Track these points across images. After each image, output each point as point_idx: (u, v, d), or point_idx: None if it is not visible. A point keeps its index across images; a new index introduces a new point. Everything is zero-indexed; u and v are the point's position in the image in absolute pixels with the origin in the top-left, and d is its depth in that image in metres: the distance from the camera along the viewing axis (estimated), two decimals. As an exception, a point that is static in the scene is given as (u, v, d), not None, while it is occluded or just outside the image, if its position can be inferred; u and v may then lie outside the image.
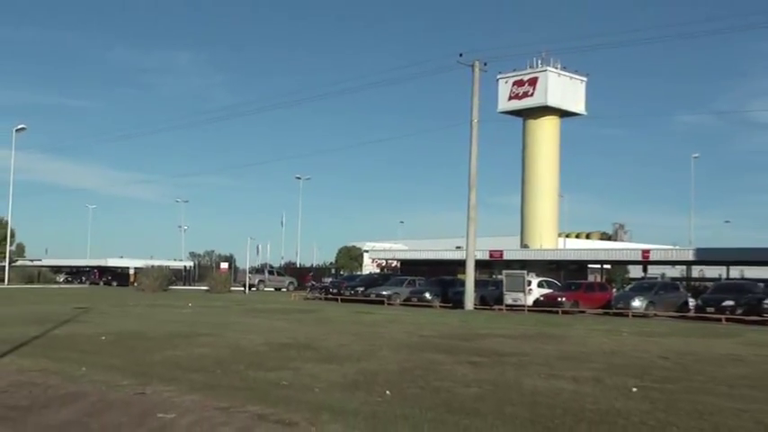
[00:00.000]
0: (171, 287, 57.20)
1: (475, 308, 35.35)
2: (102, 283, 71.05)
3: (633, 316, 31.72)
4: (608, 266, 52.98)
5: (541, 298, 35.79)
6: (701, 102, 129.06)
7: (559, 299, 34.92)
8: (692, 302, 34.20)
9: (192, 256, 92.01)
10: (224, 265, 63.73)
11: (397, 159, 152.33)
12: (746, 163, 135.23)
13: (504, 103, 58.30)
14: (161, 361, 14.11)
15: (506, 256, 46.33)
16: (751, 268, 46.02)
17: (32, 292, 48.52)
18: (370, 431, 8.33)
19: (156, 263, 66.90)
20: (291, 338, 18.44)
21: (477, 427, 8.53)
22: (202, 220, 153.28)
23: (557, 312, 33.13)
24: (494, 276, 43.49)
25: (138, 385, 11.42)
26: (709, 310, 31.55)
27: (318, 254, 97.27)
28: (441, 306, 37.62)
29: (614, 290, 38.78)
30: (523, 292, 35.83)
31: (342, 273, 65.03)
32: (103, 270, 75.11)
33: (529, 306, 35.13)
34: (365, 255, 69.87)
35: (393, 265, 59.47)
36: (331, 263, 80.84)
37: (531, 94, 56.87)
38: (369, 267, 64.55)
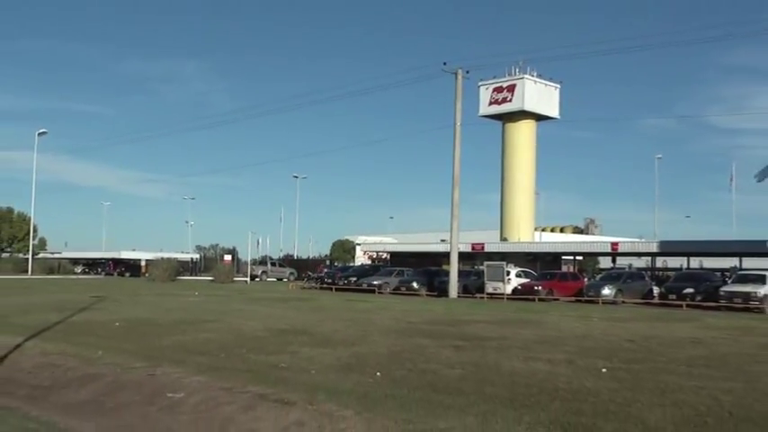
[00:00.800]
0: (179, 277, 57.00)
1: (458, 296, 35.34)
2: (116, 274, 70.71)
3: (603, 303, 31.78)
4: (580, 258, 53.15)
5: (519, 287, 35.81)
6: (664, 107, 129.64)
7: (536, 287, 34.96)
8: (656, 290, 34.32)
9: (198, 248, 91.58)
10: (227, 257, 63.56)
11: (387, 159, 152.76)
12: (705, 163, 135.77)
13: (485, 108, 58.35)
14: (170, 345, 14.08)
15: (487, 249, 46.35)
16: (709, 259, 46.26)
17: (53, 282, 48.29)
18: (362, 409, 8.32)
19: (166, 255, 66.79)
20: (289, 325, 18.38)
21: (461, 405, 8.54)
22: (207, 215, 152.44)
23: (533, 300, 33.15)
24: (476, 267, 43.47)
25: (149, 367, 11.41)
26: (671, 297, 31.73)
27: (314, 247, 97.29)
28: (427, 294, 37.60)
29: (586, 279, 38.83)
30: (503, 281, 35.85)
31: (336, 264, 64.96)
32: (117, 262, 74.77)
33: (508, 294, 35.11)
34: (357, 247, 69.90)
35: (383, 256, 59.40)
36: (326, 255, 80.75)
37: (510, 100, 56.92)
38: (361, 259, 64.57)
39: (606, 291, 33.30)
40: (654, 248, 43.40)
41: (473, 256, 46.68)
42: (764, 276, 30.95)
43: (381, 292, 38.67)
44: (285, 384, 9.79)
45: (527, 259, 44.40)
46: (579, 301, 33.36)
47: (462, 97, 37.81)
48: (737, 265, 40.15)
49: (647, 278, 37.92)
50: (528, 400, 8.86)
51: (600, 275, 40.06)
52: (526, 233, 56.07)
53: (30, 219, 74.57)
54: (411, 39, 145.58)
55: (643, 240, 53.38)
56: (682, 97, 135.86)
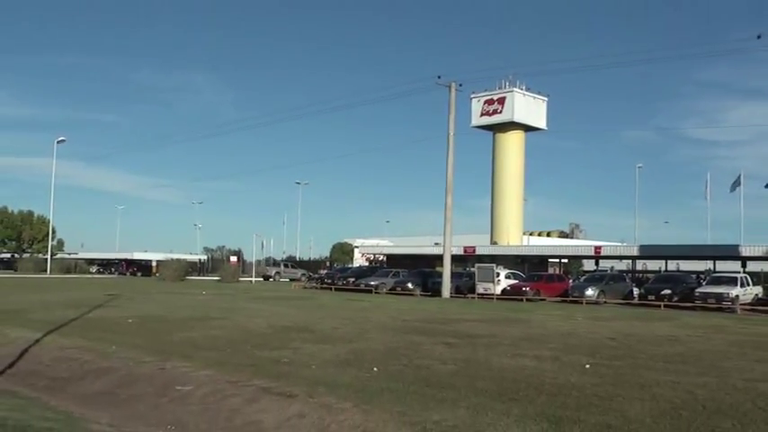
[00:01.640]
0: (187, 277, 56.87)
1: (451, 296, 35.29)
2: (128, 274, 70.52)
3: (587, 303, 31.77)
4: (565, 260, 53.22)
5: (508, 287, 35.76)
6: (644, 119, 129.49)
7: (524, 288, 34.92)
8: (636, 291, 34.30)
9: (206, 250, 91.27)
10: (233, 259, 63.42)
11: (384, 166, 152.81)
12: (682, 172, 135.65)
13: (477, 119, 58.32)
14: (179, 341, 14.07)
15: (478, 252, 46.40)
16: (686, 262, 46.37)
17: (70, 281, 48.19)
18: (359, 402, 8.33)
19: (175, 256, 66.62)
20: (292, 322, 18.37)
21: (453, 398, 8.55)
22: (215, 218, 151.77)
23: (521, 300, 33.09)
24: (467, 269, 43.46)
25: (160, 361, 11.41)
26: (650, 297, 31.74)
27: (315, 249, 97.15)
28: (421, 294, 37.51)
29: (571, 281, 38.82)
30: (493, 282, 35.82)
31: (335, 265, 64.89)
32: (130, 262, 74.57)
33: (497, 295, 35.05)
34: (356, 250, 69.77)
35: (380, 258, 59.34)
36: (326, 257, 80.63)
37: (500, 112, 56.92)
38: (359, 261, 64.41)
39: (590, 291, 33.31)
40: (634, 252, 43.47)
41: (465, 259, 46.70)
42: (736, 278, 31.08)
43: (378, 292, 38.55)
44: (287, 378, 9.79)
45: (516, 262, 44.43)
46: (564, 301, 33.32)
47: (455, 109, 37.81)
48: (711, 268, 40.26)
49: (627, 280, 37.91)
50: (516, 394, 8.87)
51: (584, 277, 40.02)
52: (515, 237, 56.06)
53: (49, 221, 74.36)
54: (407, 54, 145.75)
55: (624, 244, 53.38)
56: (660, 110, 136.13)
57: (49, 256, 68.44)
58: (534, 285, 35.41)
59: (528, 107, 57.39)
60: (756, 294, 31.85)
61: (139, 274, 68.48)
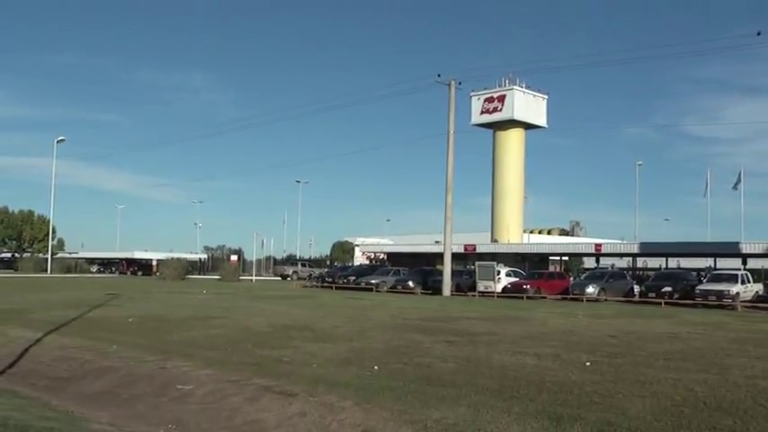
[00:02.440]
0: (188, 276, 56.88)
1: (451, 294, 35.28)
2: (129, 273, 70.61)
3: (587, 300, 31.80)
4: (566, 258, 53.20)
5: (509, 285, 35.77)
6: (643, 117, 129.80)
7: (524, 286, 34.93)
8: (636, 289, 34.31)
9: (206, 249, 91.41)
10: (233, 258, 63.47)
11: (384, 165, 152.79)
12: (682, 169, 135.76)
13: (477, 117, 58.36)
14: (180, 340, 14.07)
15: (479, 250, 46.36)
16: (686, 259, 46.35)
17: (70, 280, 48.20)
18: (360, 401, 8.32)
19: (175, 255, 66.67)
20: (292, 321, 18.35)
21: (453, 396, 8.54)
22: (215, 218, 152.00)
23: (522, 298, 33.09)
24: (468, 267, 43.45)
25: (161, 361, 11.41)
26: (650, 295, 31.73)
27: (315, 248, 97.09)
28: (422, 293, 37.49)
29: (571, 278, 38.85)
30: (493, 280, 35.81)
31: (336, 264, 64.90)
32: (130, 261, 74.67)
33: (498, 292, 35.05)
34: (356, 248, 69.72)
35: (380, 257, 59.34)
36: (326, 255, 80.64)
37: (500, 110, 56.97)
38: (359, 259, 64.42)
39: (590, 289, 33.30)
40: (635, 249, 43.46)
41: (465, 257, 46.67)
42: (736, 276, 31.07)
43: (379, 291, 38.52)
44: (288, 377, 9.78)
45: (516, 260, 44.40)
46: (565, 298, 33.35)
47: (455, 107, 37.84)
48: (712, 265, 40.26)
49: (628, 277, 37.89)
50: (517, 391, 8.86)
51: (584, 275, 40.05)
52: (515, 235, 56.08)
53: (49, 221, 74.41)
54: (407, 53, 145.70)
55: (625, 242, 53.40)
56: (660, 108, 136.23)
57: (49, 256, 68.48)
58: (535, 283, 35.40)
59: (528, 105, 57.41)
60: (757, 291, 31.84)
61: (140, 273, 68.56)
